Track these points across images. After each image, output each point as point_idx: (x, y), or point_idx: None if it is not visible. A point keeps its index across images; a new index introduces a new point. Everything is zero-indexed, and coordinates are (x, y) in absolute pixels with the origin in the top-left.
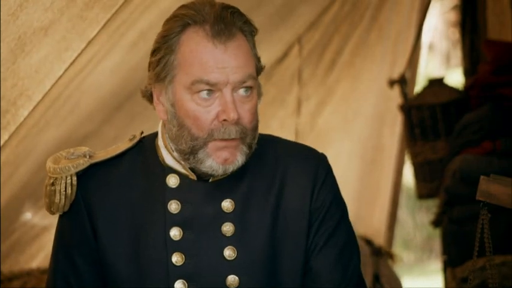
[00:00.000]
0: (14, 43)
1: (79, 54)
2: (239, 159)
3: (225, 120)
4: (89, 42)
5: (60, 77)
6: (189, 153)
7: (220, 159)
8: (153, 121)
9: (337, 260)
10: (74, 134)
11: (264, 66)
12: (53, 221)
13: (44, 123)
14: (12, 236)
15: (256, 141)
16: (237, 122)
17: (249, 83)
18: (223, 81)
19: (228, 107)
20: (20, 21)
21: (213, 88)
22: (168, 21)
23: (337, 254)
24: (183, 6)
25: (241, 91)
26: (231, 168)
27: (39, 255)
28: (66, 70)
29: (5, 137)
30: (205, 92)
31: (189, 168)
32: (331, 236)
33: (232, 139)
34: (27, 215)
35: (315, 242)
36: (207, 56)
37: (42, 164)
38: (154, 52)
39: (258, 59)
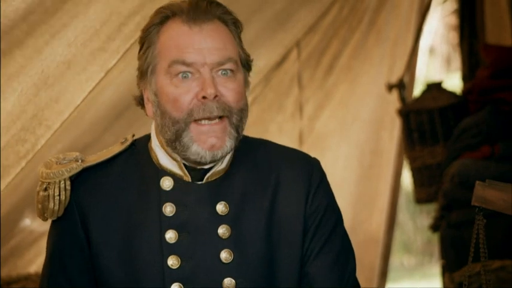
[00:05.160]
0: (37, 77)
1: (97, 84)
2: (227, 144)
3: (204, 97)
4: (108, 72)
5: (79, 106)
6: (174, 140)
7: (207, 145)
8: (150, 125)
9: (333, 265)
10: (75, 144)
11: (252, 59)
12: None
13: (54, 143)
14: (11, 241)
15: (244, 126)
16: (218, 100)
17: (228, 66)
18: (199, 61)
19: (206, 84)
20: (44, 56)
21: (190, 69)
22: (150, 17)
23: (333, 259)
24: (167, 4)
25: (221, 72)
26: (219, 153)
27: (37, 260)
28: (84, 99)
29: (22, 164)
30: (182, 73)
31: (183, 164)
32: (326, 241)
33: (216, 122)
34: (26, 221)
35: (311, 247)
36: (183, 38)
37: None
38: (139, 51)
39: (246, 53)
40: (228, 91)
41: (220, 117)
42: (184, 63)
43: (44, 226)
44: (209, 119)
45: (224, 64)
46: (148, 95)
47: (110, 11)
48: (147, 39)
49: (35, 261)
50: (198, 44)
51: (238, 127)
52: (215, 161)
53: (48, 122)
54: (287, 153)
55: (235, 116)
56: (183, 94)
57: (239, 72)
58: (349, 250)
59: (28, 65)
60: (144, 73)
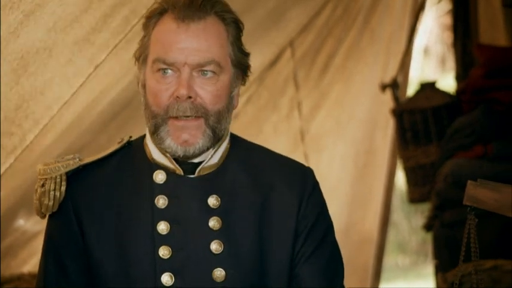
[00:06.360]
0: (16, 62)
1: (87, 79)
2: (200, 142)
3: (178, 97)
4: (97, 67)
5: (67, 101)
6: (153, 132)
7: (180, 140)
8: (143, 126)
9: (323, 270)
10: (72, 146)
11: (249, 66)
12: (44, 226)
13: (52, 145)
14: (5, 241)
15: (223, 127)
16: (193, 101)
17: (209, 68)
18: (180, 61)
19: (181, 84)
20: (22, 39)
21: (171, 67)
22: (155, 3)
23: (323, 264)
24: None
25: (202, 73)
26: (191, 150)
27: (31, 260)
28: (73, 94)
29: (10, 160)
30: (162, 70)
31: (174, 159)
32: (317, 247)
33: (192, 118)
34: (20, 221)
35: (302, 251)
36: (169, 36)
37: None
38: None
39: (242, 52)
40: (206, 93)
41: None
42: (165, 62)
43: (38, 226)
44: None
45: (205, 66)
46: (139, 83)
47: None
48: (145, 28)
49: (28, 262)
50: (181, 43)
51: (215, 128)
52: (188, 157)
53: (36, 115)
54: (282, 160)
55: (211, 117)
56: (162, 90)
57: (223, 74)
58: (338, 258)
59: (4, 48)
60: (137, 60)
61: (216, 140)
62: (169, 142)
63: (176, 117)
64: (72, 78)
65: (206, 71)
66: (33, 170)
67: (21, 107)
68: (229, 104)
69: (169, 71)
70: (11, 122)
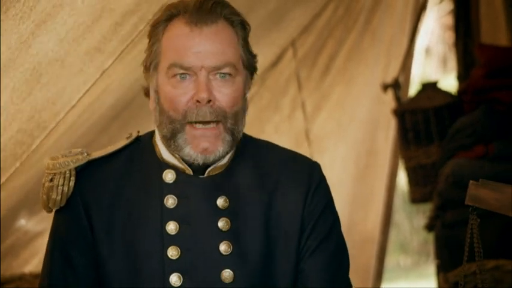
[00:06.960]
0: (29, 73)
1: (93, 84)
2: (220, 149)
3: (198, 101)
4: (103, 72)
5: (74, 106)
6: (169, 139)
7: (199, 149)
8: (145, 126)
9: (328, 264)
10: (74, 146)
11: (257, 61)
12: (46, 226)
13: (54, 145)
14: (6, 241)
15: (240, 128)
16: (212, 105)
17: (226, 70)
18: (197, 65)
19: (200, 88)
20: (34, 50)
21: (188, 72)
22: (160, 11)
23: (328, 258)
24: (176, 1)
25: (219, 76)
26: (211, 157)
27: (32, 260)
28: (79, 99)
29: (16, 164)
30: (179, 75)
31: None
32: (322, 240)
33: (210, 127)
34: (21, 221)
35: (307, 245)
36: (183, 41)
37: (41, 176)
38: (148, 44)
39: (251, 54)
40: (223, 96)
41: (214, 122)
42: (182, 67)
43: (39, 226)
44: (203, 123)
45: (222, 68)
46: (150, 90)
47: (100, 6)
48: (153, 35)
49: (30, 262)
50: (196, 47)
51: (233, 130)
52: (208, 164)
53: (46, 123)
54: (289, 154)
55: (229, 120)
56: (179, 95)
57: (238, 76)
58: (343, 251)
59: (17, 58)
60: (148, 68)
61: (234, 143)
62: (189, 151)
63: (194, 124)
64: (83, 86)
65: (223, 73)
66: (34, 170)
67: (33, 118)
68: (244, 106)
69: (187, 75)
70: (22, 132)
